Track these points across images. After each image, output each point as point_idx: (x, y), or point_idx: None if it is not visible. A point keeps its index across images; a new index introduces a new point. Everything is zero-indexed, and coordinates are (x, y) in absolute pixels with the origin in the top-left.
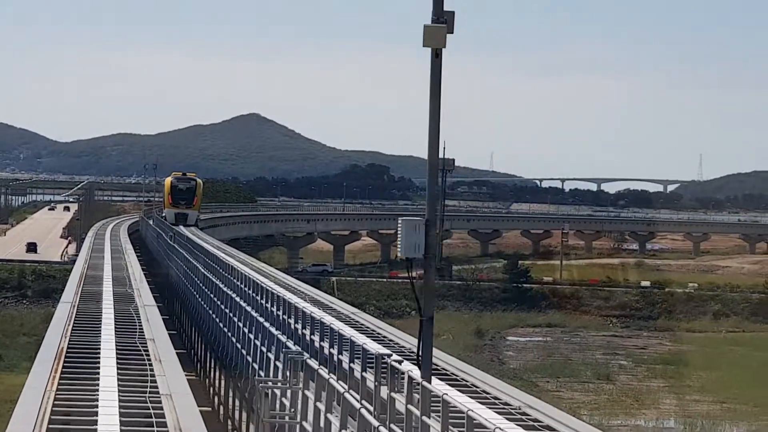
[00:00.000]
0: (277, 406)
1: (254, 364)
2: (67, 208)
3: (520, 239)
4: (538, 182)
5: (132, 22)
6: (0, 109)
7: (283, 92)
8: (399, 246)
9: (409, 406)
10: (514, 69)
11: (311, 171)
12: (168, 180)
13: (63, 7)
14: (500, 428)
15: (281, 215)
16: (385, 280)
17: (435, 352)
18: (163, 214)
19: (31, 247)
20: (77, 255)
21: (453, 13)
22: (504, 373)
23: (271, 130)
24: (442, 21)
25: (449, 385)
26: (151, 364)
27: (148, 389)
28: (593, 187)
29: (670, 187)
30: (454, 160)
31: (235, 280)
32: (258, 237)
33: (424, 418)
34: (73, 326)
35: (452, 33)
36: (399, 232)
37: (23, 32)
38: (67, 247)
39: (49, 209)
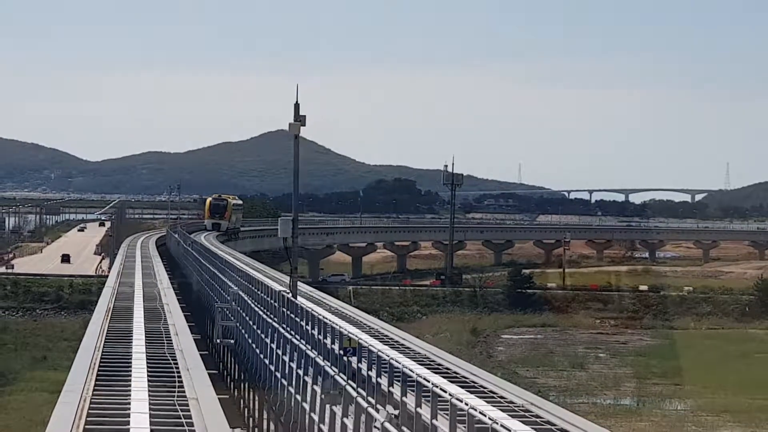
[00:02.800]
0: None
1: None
2: (102, 224)
3: (535, 249)
4: (566, 194)
5: (161, 41)
6: (30, 130)
7: (312, 108)
8: (279, 231)
9: (287, 312)
10: (543, 80)
11: (341, 186)
12: (208, 200)
13: (92, 29)
14: (392, 357)
15: (301, 228)
16: (398, 288)
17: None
18: (204, 223)
19: (65, 258)
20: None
21: (305, 116)
22: (487, 363)
23: (301, 146)
24: (299, 120)
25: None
26: (169, 337)
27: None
28: (621, 197)
29: (698, 197)
30: (462, 175)
31: (230, 272)
32: (279, 249)
33: (292, 315)
34: (115, 298)
35: (305, 126)
36: (278, 225)
37: (52, 54)
38: (100, 262)
39: (79, 230)
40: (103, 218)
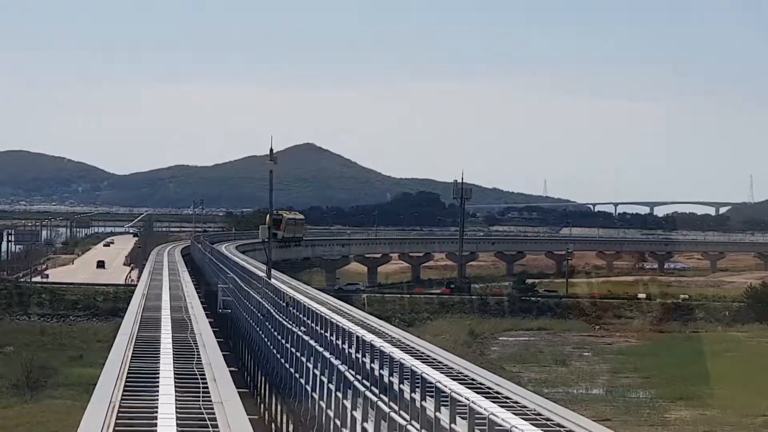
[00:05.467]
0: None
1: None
2: (135, 235)
3: (547, 260)
4: (591, 207)
5: (188, 55)
6: (58, 143)
7: (338, 122)
8: (260, 234)
9: (264, 288)
10: (568, 93)
11: (367, 199)
12: (268, 216)
13: (119, 42)
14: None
15: (318, 240)
16: (409, 296)
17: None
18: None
19: (100, 264)
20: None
21: (276, 156)
22: (479, 360)
23: (327, 159)
24: (273, 160)
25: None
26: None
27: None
28: (646, 210)
29: (722, 210)
30: (471, 189)
31: (231, 265)
32: (297, 259)
33: (266, 289)
34: (149, 287)
35: (276, 164)
36: (260, 231)
37: (80, 67)
38: (130, 272)
39: (105, 245)
40: (132, 230)
